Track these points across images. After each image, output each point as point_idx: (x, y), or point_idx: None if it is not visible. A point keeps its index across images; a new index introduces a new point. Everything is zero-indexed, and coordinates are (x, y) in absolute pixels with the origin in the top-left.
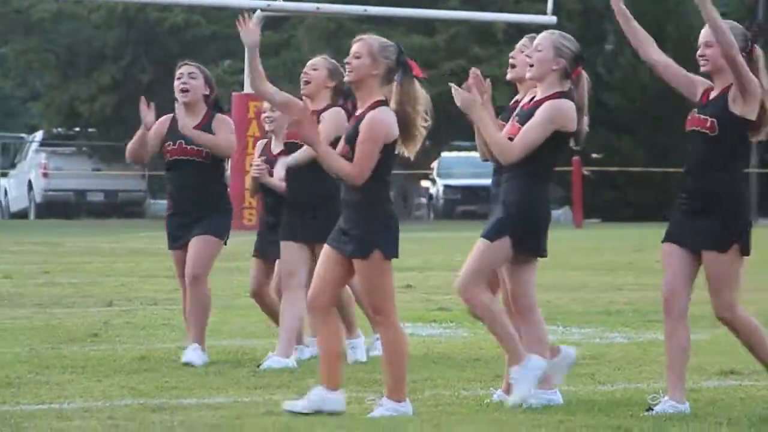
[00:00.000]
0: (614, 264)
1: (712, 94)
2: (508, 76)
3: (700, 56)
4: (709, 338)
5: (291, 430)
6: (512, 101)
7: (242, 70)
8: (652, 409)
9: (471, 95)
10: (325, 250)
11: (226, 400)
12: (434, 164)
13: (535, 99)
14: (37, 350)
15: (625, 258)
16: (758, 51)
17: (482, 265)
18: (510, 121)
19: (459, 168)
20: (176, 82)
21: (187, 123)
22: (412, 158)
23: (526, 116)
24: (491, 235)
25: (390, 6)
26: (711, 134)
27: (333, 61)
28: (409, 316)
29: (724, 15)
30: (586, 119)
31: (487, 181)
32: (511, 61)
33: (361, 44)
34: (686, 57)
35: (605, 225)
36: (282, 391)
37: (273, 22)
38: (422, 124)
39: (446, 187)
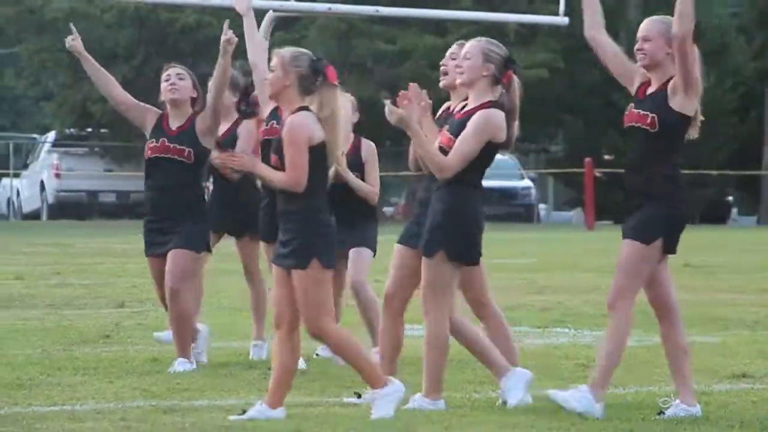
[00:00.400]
0: None
1: (650, 89)
2: (441, 84)
3: (638, 50)
4: (720, 341)
5: (301, 431)
6: (443, 109)
7: None
8: (664, 413)
9: (402, 111)
10: (274, 270)
11: (237, 401)
12: None
13: (466, 108)
14: (49, 352)
15: None
16: (694, 49)
17: (435, 286)
18: (441, 131)
19: None
20: (164, 84)
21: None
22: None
23: (457, 126)
24: (425, 251)
25: (402, 6)
26: (651, 130)
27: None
28: (419, 319)
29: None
30: (516, 124)
31: (496, 183)
32: (442, 68)
33: (274, 58)
34: (699, 55)
35: (617, 227)
36: (292, 393)
37: (285, 23)
38: (346, 127)
39: None
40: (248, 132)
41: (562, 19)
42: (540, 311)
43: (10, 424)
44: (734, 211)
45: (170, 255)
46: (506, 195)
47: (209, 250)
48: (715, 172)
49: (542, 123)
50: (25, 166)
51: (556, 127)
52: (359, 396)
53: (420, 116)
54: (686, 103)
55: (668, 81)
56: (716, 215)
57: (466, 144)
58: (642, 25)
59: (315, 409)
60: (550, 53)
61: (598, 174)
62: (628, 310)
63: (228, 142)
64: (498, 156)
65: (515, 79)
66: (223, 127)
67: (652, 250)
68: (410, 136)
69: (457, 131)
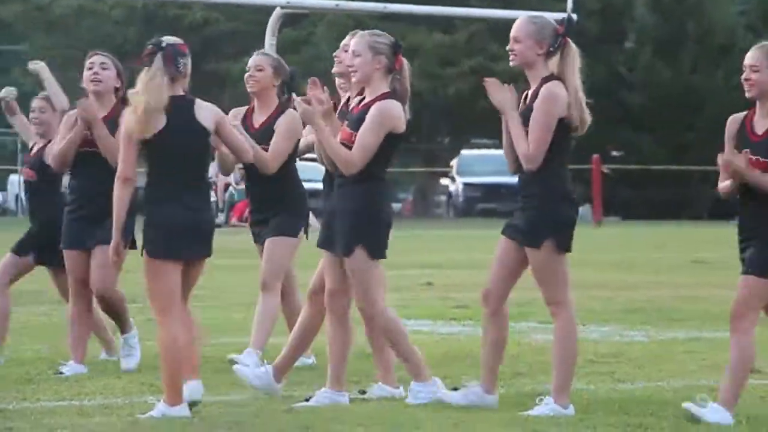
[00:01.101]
0: (634, 262)
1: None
2: (334, 69)
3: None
4: (728, 337)
5: (309, 428)
6: (343, 102)
7: None
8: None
9: (309, 107)
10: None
11: (245, 397)
12: (453, 162)
13: (363, 102)
14: (57, 347)
15: (645, 256)
16: (571, 47)
17: (362, 283)
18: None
19: (478, 166)
20: (86, 72)
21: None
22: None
23: (356, 121)
24: (345, 252)
25: (410, 3)
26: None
27: (276, 56)
28: (428, 314)
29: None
30: (406, 108)
31: (507, 179)
32: (336, 59)
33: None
34: (707, 53)
35: (625, 223)
36: (302, 388)
37: (292, 19)
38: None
39: (466, 185)
40: (288, 127)
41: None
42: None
43: (18, 419)
44: None
45: (95, 252)
46: (514, 191)
47: (133, 246)
48: None
49: None
50: None
51: None
52: (364, 392)
53: (324, 112)
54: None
55: (540, 85)
56: (725, 212)
57: (366, 138)
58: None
59: (325, 404)
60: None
61: (605, 170)
62: (569, 310)
63: (264, 134)
64: None
65: (405, 62)
66: (260, 117)
67: (547, 251)
68: (314, 131)
69: (356, 126)
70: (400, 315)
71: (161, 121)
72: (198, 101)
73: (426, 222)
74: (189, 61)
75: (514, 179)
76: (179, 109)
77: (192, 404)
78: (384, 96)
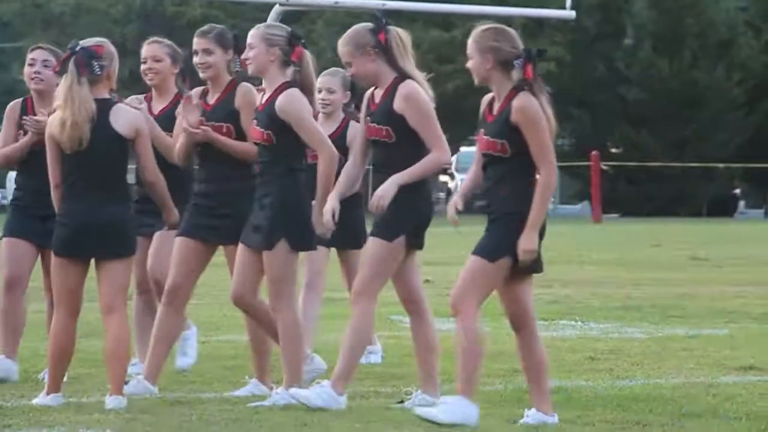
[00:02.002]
0: (633, 259)
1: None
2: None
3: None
4: (727, 334)
5: (308, 425)
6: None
7: None
8: (403, 402)
9: (197, 132)
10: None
11: (242, 394)
12: (453, 159)
13: (265, 97)
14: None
15: (644, 253)
16: (392, 33)
17: (280, 276)
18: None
19: None
20: (27, 68)
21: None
22: None
23: (264, 116)
24: (267, 245)
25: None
26: (389, 141)
27: (169, 42)
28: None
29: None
30: (315, 98)
31: None
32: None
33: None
34: (706, 49)
35: (623, 220)
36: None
37: (291, 17)
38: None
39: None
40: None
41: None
42: (547, 304)
43: (16, 416)
44: (741, 203)
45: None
46: None
47: None
48: (722, 165)
49: None
50: None
51: (563, 121)
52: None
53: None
54: None
55: (387, 89)
56: (723, 208)
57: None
58: None
59: None
60: (558, 47)
61: (604, 167)
62: (370, 305)
63: (164, 121)
64: None
65: (306, 54)
66: (159, 105)
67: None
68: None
69: (265, 123)
70: (396, 312)
71: (88, 130)
72: (117, 106)
73: None
74: (110, 62)
75: None
76: (97, 114)
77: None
78: (283, 86)
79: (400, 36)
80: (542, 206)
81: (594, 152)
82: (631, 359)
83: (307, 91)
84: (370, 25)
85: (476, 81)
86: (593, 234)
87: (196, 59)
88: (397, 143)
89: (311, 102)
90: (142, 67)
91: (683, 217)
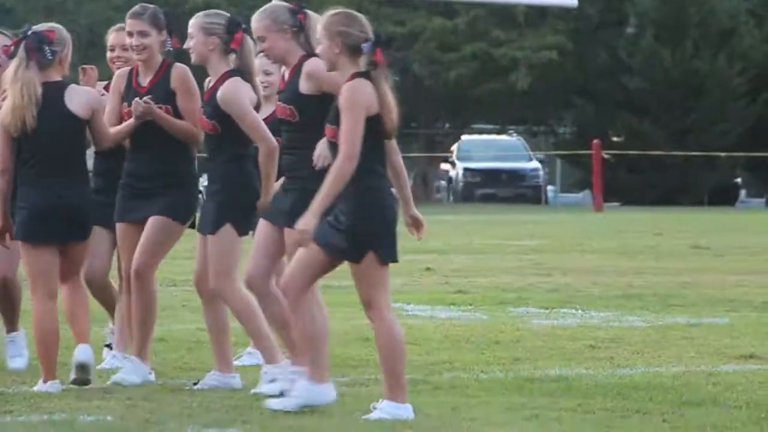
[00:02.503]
0: (634, 248)
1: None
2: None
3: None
4: (728, 323)
5: (308, 412)
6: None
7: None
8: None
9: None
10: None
11: (243, 381)
12: (454, 147)
13: (209, 86)
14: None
15: (645, 242)
16: (310, 15)
17: (224, 259)
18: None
19: (479, 151)
20: None
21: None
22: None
23: (208, 107)
24: (213, 229)
25: None
26: (292, 120)
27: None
28: (428, 299)
29: None
30: (257, 81)
31: (507, 164)
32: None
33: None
34: (708, 37)
35: (625, 209)
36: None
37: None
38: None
39: (466, 170)
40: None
41: (572, 1)
42: (547, 292)
43: (17, 402)
44: (743, 192)
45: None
46: (514, 176)
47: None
48: (723, 154)
49: (551, 105)
50: None
51: (564, 109)
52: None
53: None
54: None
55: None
56: (725, 197)
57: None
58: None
59: None
60: (560, 35)
61: (606, 156)
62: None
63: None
64: (506, 137)
65: (246, 40)
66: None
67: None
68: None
69: (211, 113)
70: (399, 300)
71: (34, 112)
72: (72, 87)
73: (426, 207)
74: (63, 47)
75: (515, 164)
76: (49, 96)
77: (80, 367)
78: (225, 76)
79: (317, 20)
80: (329, 191)
81: (595, 141)
82: (632, 348)
83: (248, 77)
84: (287, 4)
85: (326, 67)
86: (594, 222)
87: (130, 41)
88: (301, 123)
89: (254, 88)
90: (110, 55)
91: (684, 206)
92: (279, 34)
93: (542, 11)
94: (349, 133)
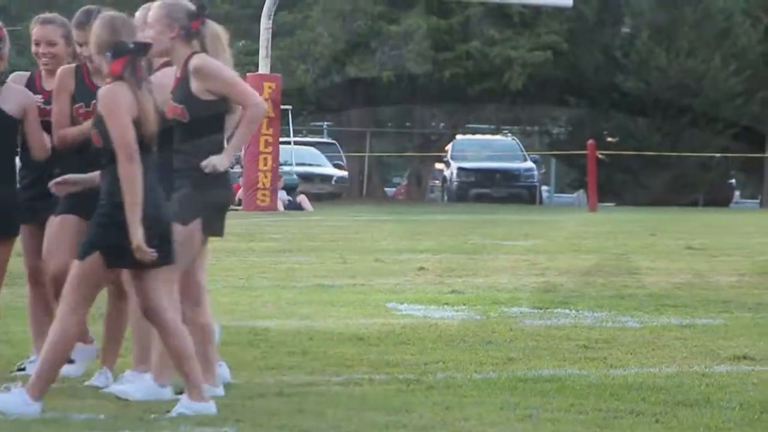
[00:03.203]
0: (628, 248)
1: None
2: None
3: None
4: (722, 323)
5: (303, 411)
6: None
7: (256, 51)
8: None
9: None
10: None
11: (237, 381)
12: (448, 147)
13: (177, 75)
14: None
15: (639, 242)
16: (209, 28)
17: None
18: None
19: (473, 151)
20: None
21: None
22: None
23: (179, 93)
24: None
25: None
26: (183, 120)
27: (65, 21)
28: (421, 299)
29: None
30: (227, 56)
31: (502, 164)
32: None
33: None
34: (704, 38)
35: (619, 209)
36: (293, 372)
37: (288, 3)
38: None
39: (460, 169)
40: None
41: (566, 1)
42: (541, 292)
43: None
44: (737, 193)
45: None
46: (509, 176)
47: None
48: (718, 155)
49: (546, 105)
50: None
51: (559, 109)
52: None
53: None
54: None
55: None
56: (719, 198)
57: (233, 83)
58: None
59: (317, 388)
60: (554, 35)
61: (600, 156)
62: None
63: None
64: (500, 137)
65: (207, 23)
66: (51, 84)
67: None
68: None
69: (180, 97)
70: (393, 300)
71: None
72: (7, 85)
73: (420, 206)
74: (1, 44)
75: (510, 164)
76: None
77: None
78: (190, 57)
79: (217, 32)
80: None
81: (590, 141)
82: (625, 348)
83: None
84: (191, 6)
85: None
86: (588, 223)
87: (37, 49)
88: (191, 124)
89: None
90: (35, 48)
91: (679, 207)
92: (167, 29)
93: (537, 11)
94: (119, 134)
